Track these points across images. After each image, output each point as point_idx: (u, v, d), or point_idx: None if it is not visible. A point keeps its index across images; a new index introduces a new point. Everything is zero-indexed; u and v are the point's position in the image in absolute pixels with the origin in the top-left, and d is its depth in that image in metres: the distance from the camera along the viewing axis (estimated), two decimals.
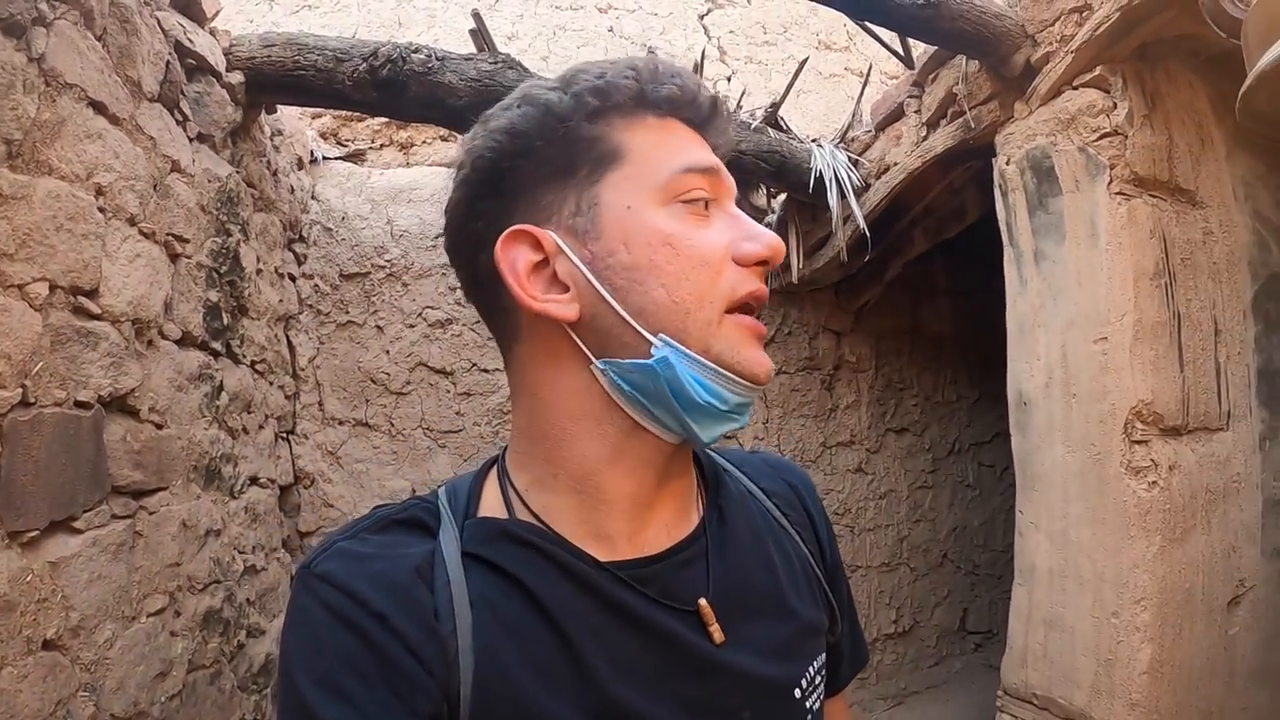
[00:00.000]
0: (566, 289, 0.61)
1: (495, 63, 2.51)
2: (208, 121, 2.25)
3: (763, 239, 0.64)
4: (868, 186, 2.99)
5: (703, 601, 0.63)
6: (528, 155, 0.62)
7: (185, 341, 2.10)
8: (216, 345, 2.27)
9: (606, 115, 0.63)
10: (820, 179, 2.95)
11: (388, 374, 3.18)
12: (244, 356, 2.48)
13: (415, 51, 2.46)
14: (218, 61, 2.29)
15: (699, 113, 0.67)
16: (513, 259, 0.62)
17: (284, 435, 2.89)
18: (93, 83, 1.68)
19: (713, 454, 0.77)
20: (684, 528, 0.67)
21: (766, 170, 2.97)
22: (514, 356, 0.67)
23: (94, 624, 1.66)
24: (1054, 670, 2.14)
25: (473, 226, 0.65)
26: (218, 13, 2.34)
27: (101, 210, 1.70)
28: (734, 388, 0.61)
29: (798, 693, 0.68)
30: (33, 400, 1.49)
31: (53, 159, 1.55)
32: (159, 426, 1.94)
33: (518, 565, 0.60)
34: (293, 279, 3.02)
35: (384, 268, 3.24)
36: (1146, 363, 1.98)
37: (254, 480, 2.54)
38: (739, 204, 0.69)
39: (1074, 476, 2.16)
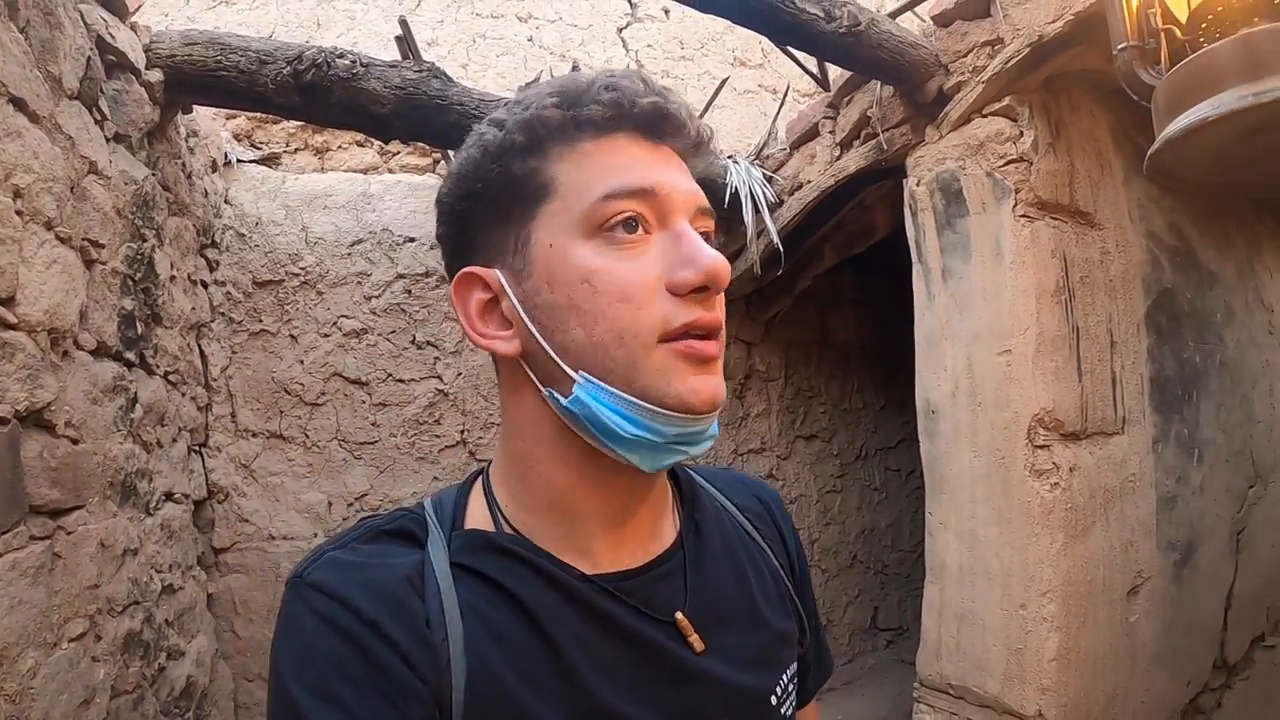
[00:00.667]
0: (510, 325, 0.64)
1: (420, 71, 2.50)
2: (125, 121, 2.17)
3: (699, 263, 0.60)
4: (781, 203, 3.13)
5: (679, 615, 0.66)
6: (473, 198, 0.64)
7: (100, 352, 2.01)
8: (130, 355, 2.18)
9: (540, 148, 0.63)
10: (736, 195, 3.07)
11: (302, 384, 3.11)
12: (157, 367, 2.39)
13: (340, 56, 2.43)
14: (138, 59, 2.20)
15: (644, 120, 0.64)
16: (465, 299, 0.65)
17: (197, 448, 2.79)
18: (14, 78, 1.61)
19: (689, 469, 0.79)
20: (661, 542, 0.69)
21: None
22: (499, 386, 0.69)
23: (16, 653, 1.57)
24: (967, 661, 2.30)
25: (453, 267, 0.68)
26: (139, 6, 2.26)
27: (19, 213, 1.63)
28: (668, 421, 0.60)
29: (773, 699, 0.70)
30: None
31: None
32: (75, 441, 1.86)
33: (506, 576, 0.61)
34: (205, 286, 2.91)
35: (298, 275, 3.17)
36: (1048, 373, 2.17)
37: (169, 496, 2.44)
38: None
39: (980, 479, 2.33)
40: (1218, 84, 0.98)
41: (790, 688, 0.74)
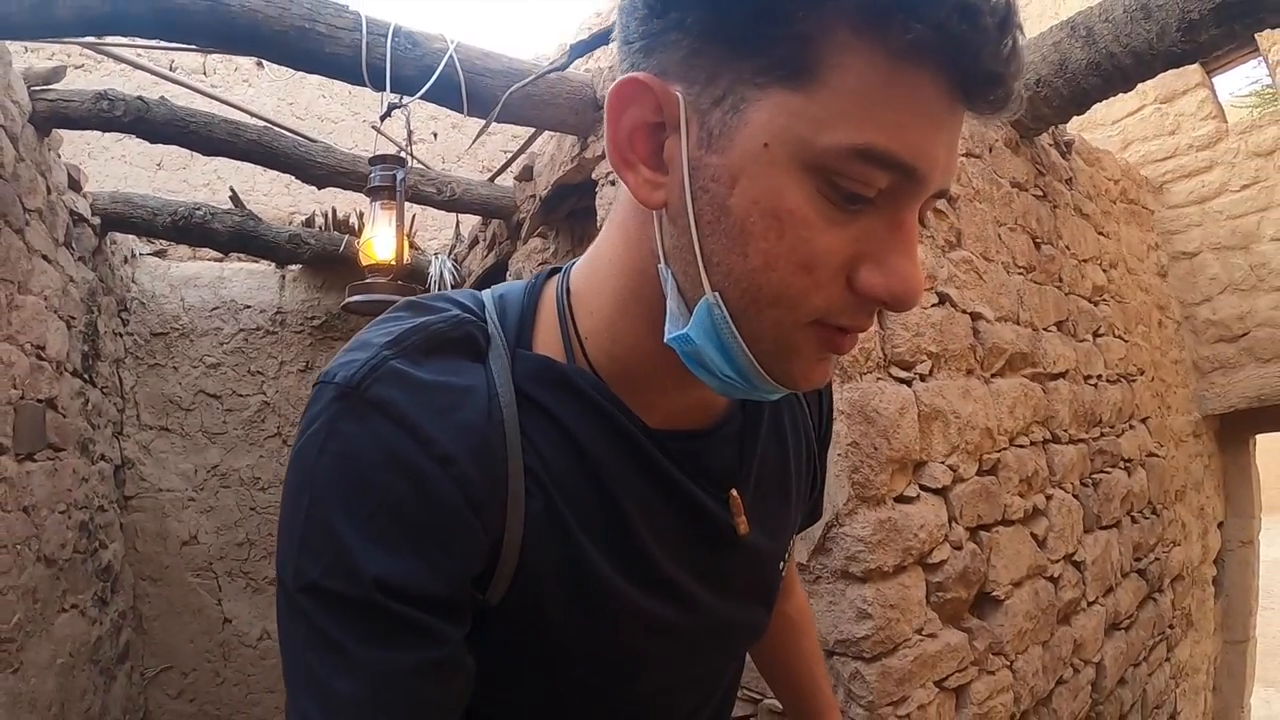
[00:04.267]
0: (666, 175, 0.55)
1: (242, 216, 4.75)
2: (82, 248, 4.35)
3: (899, 283, 0.52)
4: (463, 283, 5.37)
5: (734, 493, 0.68)
6: (718, 8, 0.50)
7: (74, 373, 4.17)
8: (86, 376, 4.35)
9: (825, 15, 0.47)
10: (436, 278, 5.32)
11: (180, 397, 5.26)
12: (98, 383, 4.56)
13: (198, 209, 4.64)
14: (87, 213, 4.39)
15: (969, 78, 0.49)
16: (620, 110, 0.54)
17: (117, 434, 4.93)
18: (43, 246, 3.80)
19: None
20: (720, 404, 0.70)
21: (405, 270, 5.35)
22: (616, 199, 0.63)
23: (41, 507, 3.70)
24: None
25: (628, 56, 0.56)
26: (87, 180, 4.45)
27: (46, 308, 3.81)
28: (763, 383, 0.57)
29: (781, 565, 0.78)
30: (25, 397, 3.59)
31: (31, 286, 3.67)
32: (64, 416, 4.02)
33: (572, 417, 0.61)
34: (121, 336, 5.07)
35: (179, 329, 5.32)
36: None
37: (103, 457, 4.59)
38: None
39: None
40: None
41: (791, 546, 0.82)
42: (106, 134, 5.86)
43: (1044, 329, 3.23)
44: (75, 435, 4.17)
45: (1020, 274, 3.15)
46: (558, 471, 0.60)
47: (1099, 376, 3.56)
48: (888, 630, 2.33)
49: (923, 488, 2.55)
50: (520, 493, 0.57)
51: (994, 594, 2.72)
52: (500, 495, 0.56)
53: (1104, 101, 4.63)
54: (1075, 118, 4.56)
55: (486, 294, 0.68)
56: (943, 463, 2.60)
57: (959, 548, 2.61)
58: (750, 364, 0.54)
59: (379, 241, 3.31)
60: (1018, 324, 3.05)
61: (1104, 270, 3.87)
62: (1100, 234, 3.92)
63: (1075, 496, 3.24)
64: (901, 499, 2.46)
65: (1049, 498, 3.06)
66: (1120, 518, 3.64)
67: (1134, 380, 3.95)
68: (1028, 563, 2.88)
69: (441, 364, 0.57)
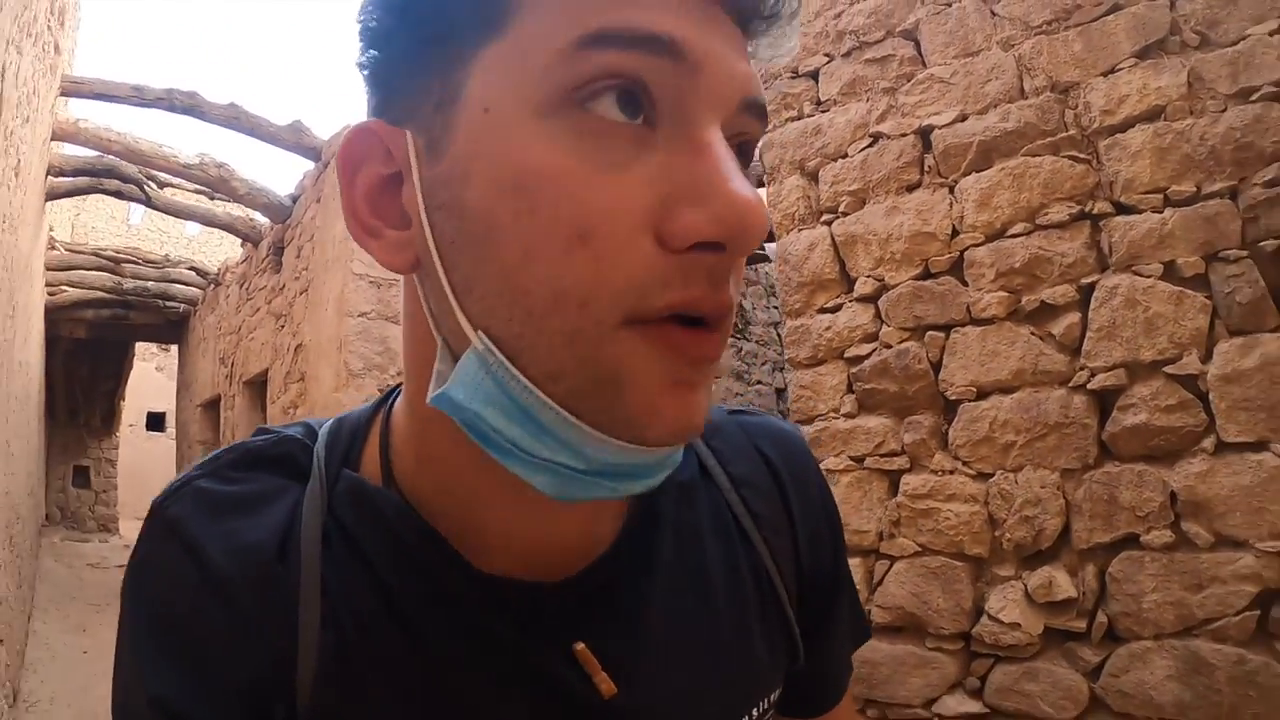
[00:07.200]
0: (410, 224, 0.42)
1: None
2: None
3: (726, 199, 0.35)
4: None
5: (580, 646, 0.49)
6: (400, 11, 0.42)
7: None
8: (739, 334, 6.92)
9: None
10: None
11: None
12: (750, 338, 7.06)
13: None
14: None
15: None
16: (353, 170, 0.43)
17: (776, 369, 7.33)
18: None
19: None
20: (595, 541, 0.51)
21: None
22: (404, 295, 0.48)
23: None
24: None
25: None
26: None
27: None
28: (606, 448, 0.38)
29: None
30: None
31: None
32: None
33: (381, 555, 0.48)
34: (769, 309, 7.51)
35: None
36: None
37: (759, 382, 7.05)
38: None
39: None
40: None
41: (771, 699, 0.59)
42: None
43: (1095, 76, 2.59)
44: (729, 369, 6.71)
45: (1042, 34, 2.71)
46: (361, 612, 0.47)
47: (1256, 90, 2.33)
48: (800, 404, 3.17)
49: (856, 299, 3.06)
50: (314, 624, 0.45)
51: (946, 394, 2.77)
52: (286, 626, 0.45)
53: None
54: None
55: (336, 419, 0.56)
56: (868, 276, 3.02)
57: (889, 346, 2.92)
58: (558, 417, 0.37)
59: None
60: (1016, 101, 2.73)
61: None
62: None
63: (1175, 281, 2.39)
64: (825, 310, 3.14)
65: (1084, 288, 2.54)
66: None
67: None
68: (1014, 367, 2.62)
69: (247, 489, 0.49)
